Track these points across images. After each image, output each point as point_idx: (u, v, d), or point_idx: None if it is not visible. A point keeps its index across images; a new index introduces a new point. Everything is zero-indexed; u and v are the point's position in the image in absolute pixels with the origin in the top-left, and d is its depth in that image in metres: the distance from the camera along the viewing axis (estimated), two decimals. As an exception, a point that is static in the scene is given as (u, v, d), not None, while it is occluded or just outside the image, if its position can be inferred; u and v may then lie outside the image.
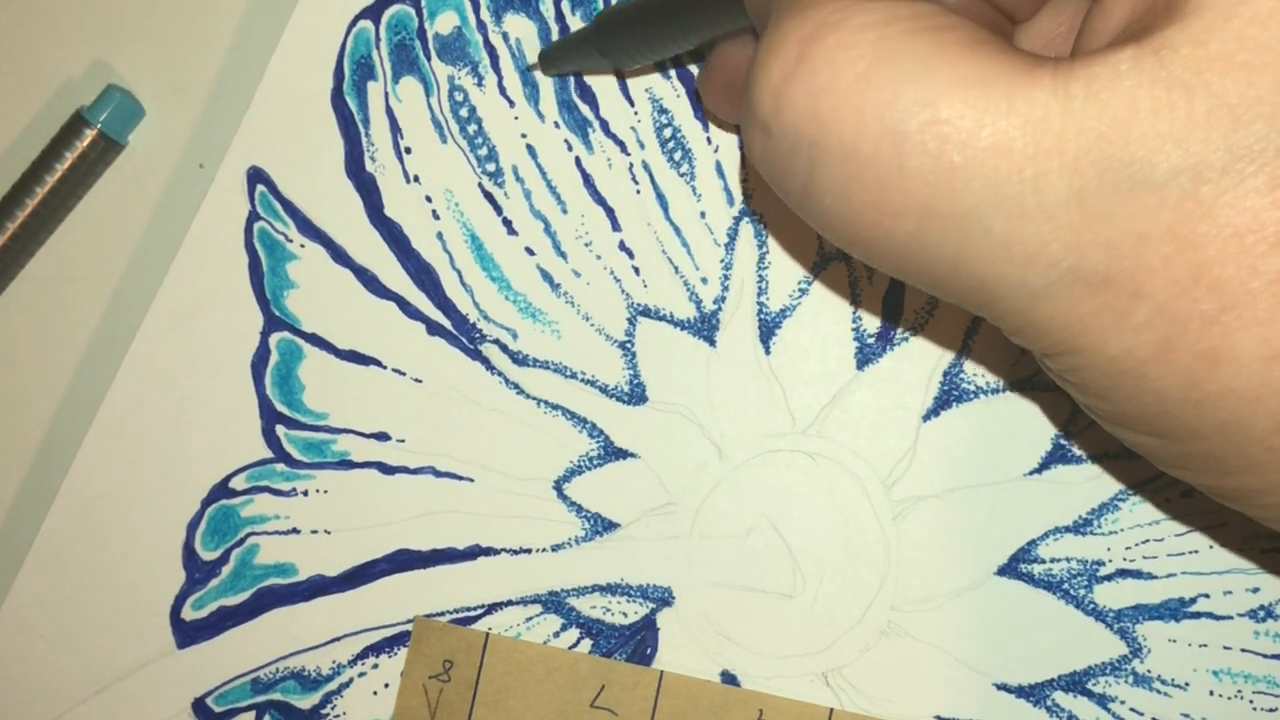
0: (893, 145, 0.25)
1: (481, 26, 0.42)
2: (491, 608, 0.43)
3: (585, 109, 0.42)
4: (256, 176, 0.42)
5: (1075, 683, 0.41)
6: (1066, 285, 0.26)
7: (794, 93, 0.26)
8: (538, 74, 0.42)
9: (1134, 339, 0.25)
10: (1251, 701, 0.41)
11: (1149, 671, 0.41)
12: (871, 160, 0.26)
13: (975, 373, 0.41)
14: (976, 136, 0.25)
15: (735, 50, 0.36)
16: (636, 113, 0.42)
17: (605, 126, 0.42)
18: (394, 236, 0.42)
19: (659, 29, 0.37)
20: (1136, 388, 0.26)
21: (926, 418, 0.42)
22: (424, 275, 0.42)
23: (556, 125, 0.42)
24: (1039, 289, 0.26)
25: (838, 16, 0.26)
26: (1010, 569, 0.41)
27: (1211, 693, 0.41)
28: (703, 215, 0.42)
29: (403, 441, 0.43)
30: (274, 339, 0.43)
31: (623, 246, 0.42)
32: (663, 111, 0.42)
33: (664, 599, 0.42)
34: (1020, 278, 0.26)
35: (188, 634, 0.43)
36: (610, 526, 0.42)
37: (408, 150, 0.42)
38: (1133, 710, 0.41)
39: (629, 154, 0.42)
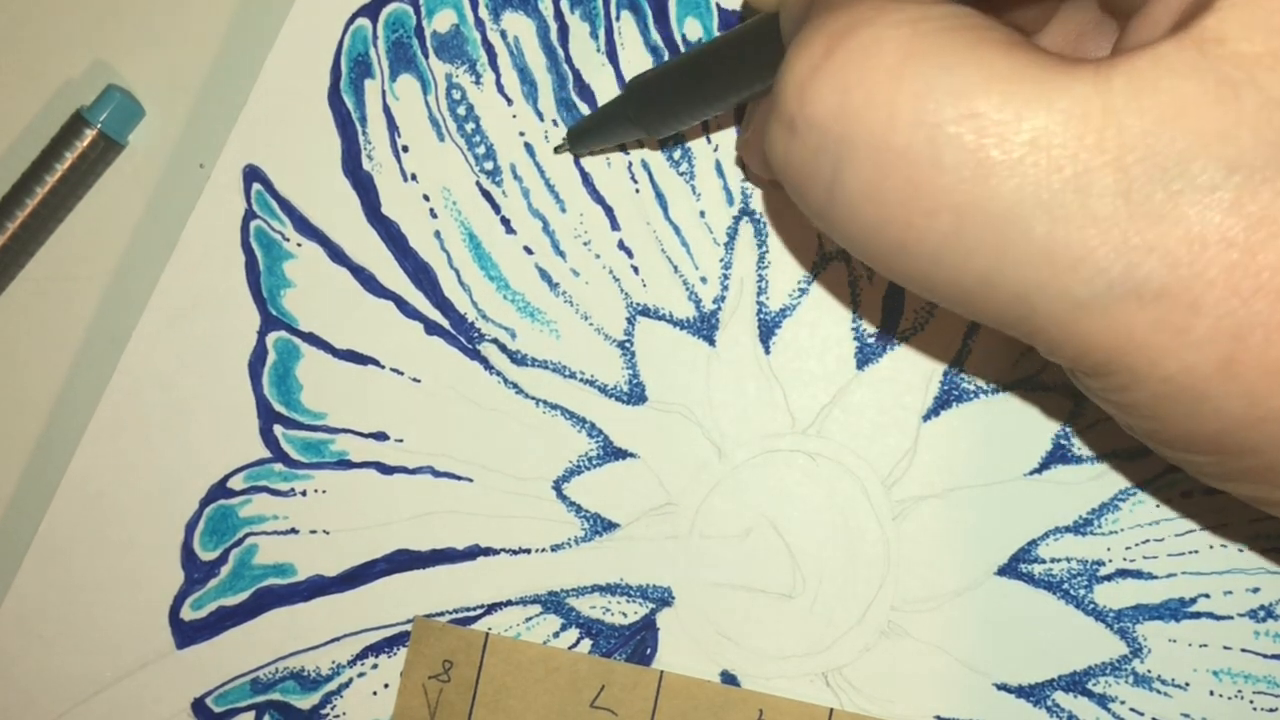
0: (927, 139, 0.24)
1: (480, 24, 0.42)
2: (491, 608, 0.43)
3: (584, 107, 0.42)
4: (253, 175, 0.42)
5: (1075, 683, 0.41)
6: (1116, 297, 0.24)
7: (821, 87, 0.25)
8: (536, 75, 0.42)
9: (1194, 356, 0.24)
10: (1252, 702, 0.41)
11: (1149, 671, 0.41)
12: (903, 155, 0.24)
13: (976, 373, 0.41)
14: (1016, 131, 0.24)
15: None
16: (635, 111, 0.42)
17: (604, 125, 0.42)
18: (391, 235, 0.42)
19: (694, 92, 0.36)
20: (1195, 408, 0.25)
21: (926, 418, 0.42)
22: (422, 274, 0.42)
23: (555, 123, 0.42)
24: (1084, 299, 0.24)
25: (870, 14, 0.25)
26: (1010, 569, 0.41)
27: (1212, 693, 0.41)
28: (702, 215, 0.42)
29: (401, 441, 0.43)
30: (271, 338, 0.43)
31: (622, 246, 0.42)
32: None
33: (664, 599, 0.42)
34: (1063, 287, 0.24)
35: (187, 634, 0.43)
36: (610, 526, 0.42)
37: (405, 149, 0.42)
38: (1133, 710, 0.41)
39: (628, 153, 0.42)
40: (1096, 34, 0.33)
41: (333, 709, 0.43)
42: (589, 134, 0.41)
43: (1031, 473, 0.41)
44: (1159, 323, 0.24)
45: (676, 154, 0.42)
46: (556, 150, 0.42)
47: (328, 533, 0.43)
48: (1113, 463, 0.41)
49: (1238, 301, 0.23)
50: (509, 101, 0.42)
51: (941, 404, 0.41)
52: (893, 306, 0.41)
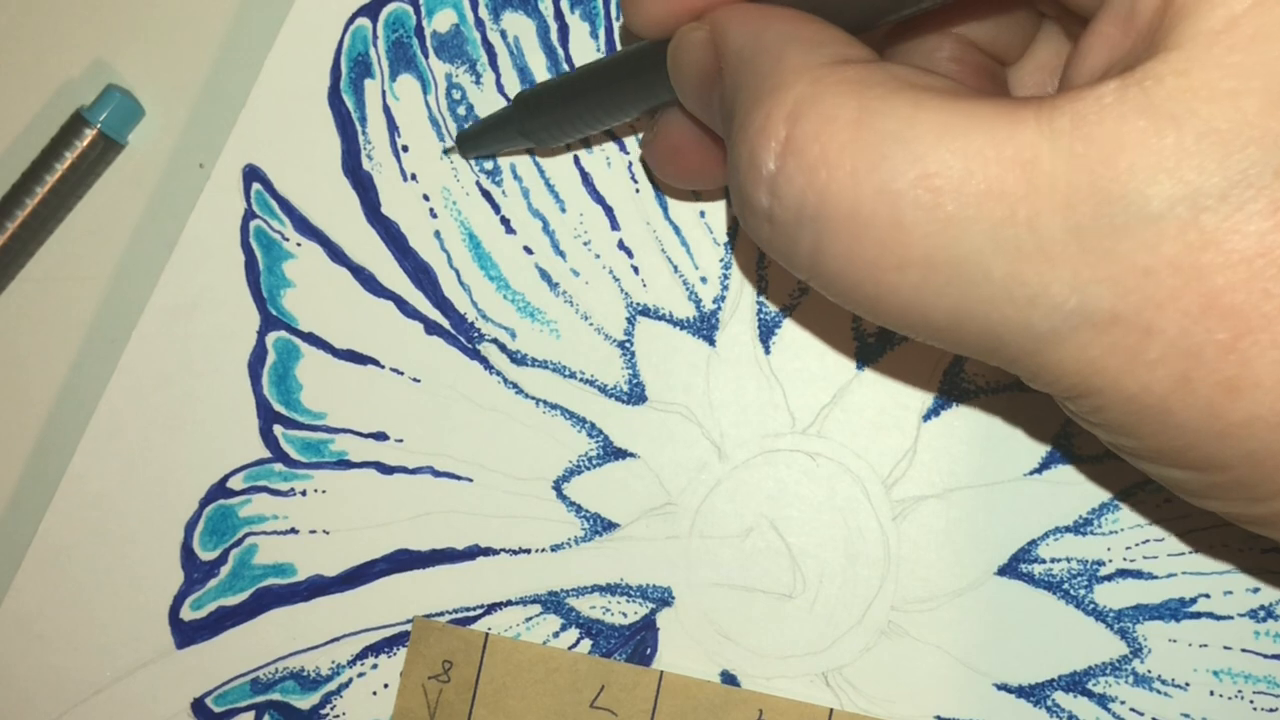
0: (888, 204, 0.26)
1: (479, 24, 0.42)
2: (491, 608, 0.43)
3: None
4: (253, 175, 0.42)
5: (1075, 683, 0.41)
6: (1073, 327, 0.25)
7: (788, 174, 0.27)
8: (536, 75, 0.42)
9: (1149, 376, 0.25)
10: (1252, 702, 0.41)
11: (1149, 671, 0.41)
12: (870, 221, 0.26)
13: (975, 372, 0.41)
14: (967, 183, 0.25)
15: (676, 119, 0.36)
16: (635, 111, 0.42)
17: (604, 125, 0.42)
18: (391, 235, 0.42)
19: (582, 106, 0.37)
20: (1160, 424, 0.26)
21: (927, 417, 0.42)
22: (422, 274, 0.42)
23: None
24: (1045, 332, 0.26)
25: (814, 90, 0.27)
26: (1010, 569, 0.41)
27: (1212, 693, 0.41)
28: (702, 214, 0.42)
29: (401, 441, 0.43)
30: (271, 338, 0.43)
31: (622, 245, 0.42)
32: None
33: (663, 599, 0.42)
34: (1025, 321, 0.26)
35: (187, 634, 0.43)
36: (610, 526, 0.42)
37: (405, 148, 0.42)
38: (1133, 710, 0.41)
39: (628, 152, 0.42)
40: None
41: (332, 709, 0.43)
42: (478, 139, 0.41)
43: (1031, 473, 0.41)
44: (1115, 347, 0.25)
45: (676, 154, 0.42)
46: (445, 152, 0.42)
47: (327, 533, 0.43)
48: (1113, 463, 0.41)
49: (1188, 322, 0.24)
50: (509, 101, 0.42)
51: (941, 404, 0.41)
52: (893, 306, 0.41)
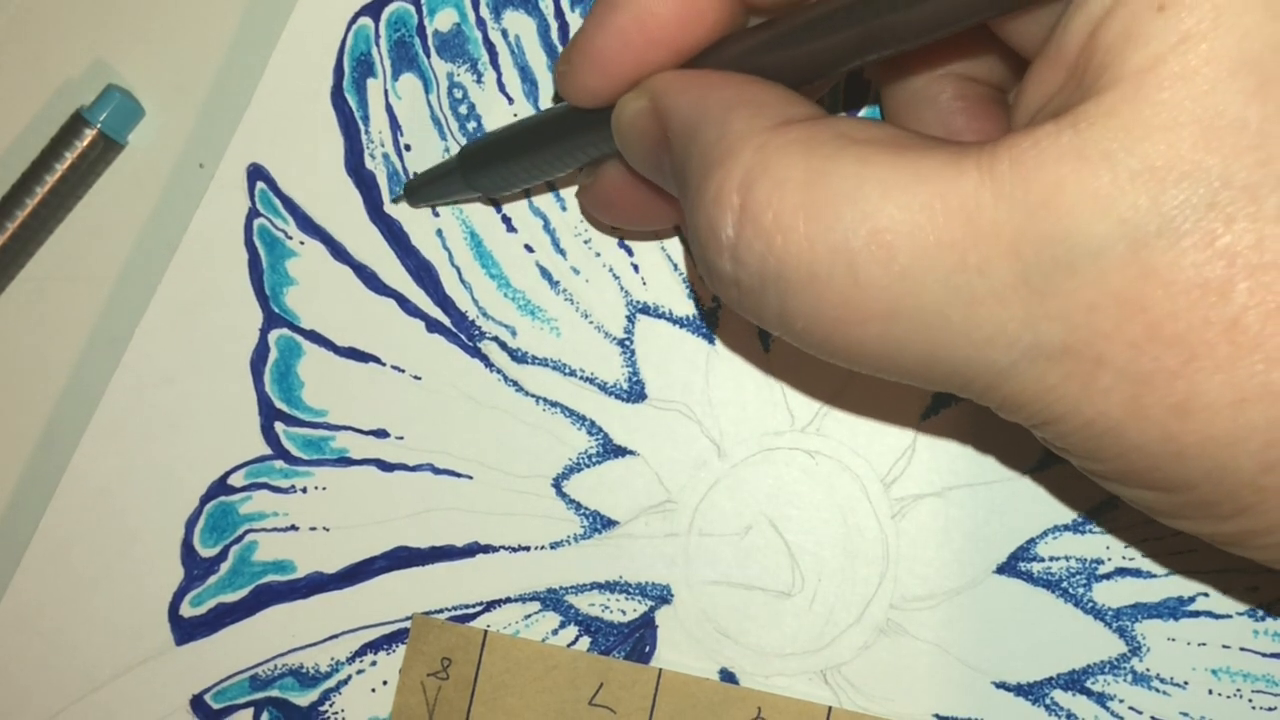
0: (845, 263, 0.26)
1: (481, 23, 0.42)
2: (490, 605, 0.43)
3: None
4: (256, 173, 0.42)
5: (1074, 681, 0.41)
6: (1030, 361, 0.26)
7: (747, 242, 0.28)
8: (538, 74, 0.42)
9: (1104, 402, 0.26)
10: (1250, 700, 0.41)
11: (1148, 670, 0.41)
12: (829, 280, 0.27)
13: (974, 372, 0.41)
14: (917, 236, 0.26)
15: (615, 168, 0.37)
16: (636, 110, 0.42)
17: (605, 124, 0.42)
18: (393, 233, 0.43)
19: (526, 160, 0.38)
20: (1118, 447, 0.27)
21: (926, 416, 0.42)
22: (423, 272, 0.42)
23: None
24: (1005, 367, 0.27)
25: (762, 156, 0.28)
26: (1009, 567, 0.41)
27: (1210, 691, 0.41)
28: (702, 213, 0.42)
29: (401, 438, 0.43)
30: (273, 336, 0.43)
31: (622, 244, 0.42)
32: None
33: (662, 597, 0.42)
34: (985, 360, 0.27)
35: (186, 631, 0.43)
36: (609, 524, 0.42)
37: (407, 147, 0.42)
38: (1131, 709, 0.41)
39: (628, 152, 0.42)
40: None
41: (331, 706, 0.43)
42: (425, 190, 0.42)
43: (1030, 471, 0.41)
44: (1069, 376, 0.26)
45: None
46: (394, 200, 0.43)
47: (327, 529, 0.43)
48: (1111, 461, 0.41)
49: (1135, 352, 0.25)
50: (510, 100, 0.42)
51: (941, 402, 0.42)
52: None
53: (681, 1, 0.32)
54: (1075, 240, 0.25)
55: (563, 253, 0.42)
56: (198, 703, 0.43)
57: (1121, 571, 0.41)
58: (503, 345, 0.42)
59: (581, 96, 0.34)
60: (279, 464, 0.43)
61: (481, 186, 0.40)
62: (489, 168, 0.39)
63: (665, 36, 0.32)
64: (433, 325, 0.43)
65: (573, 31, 0.42)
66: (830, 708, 0.41)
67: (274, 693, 0.43)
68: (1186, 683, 0.41)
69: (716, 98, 0.30)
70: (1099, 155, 0.25)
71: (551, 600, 0.43)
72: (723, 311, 0.42)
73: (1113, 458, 0.27)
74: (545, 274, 0.42)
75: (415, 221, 0.43)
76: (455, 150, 0.42)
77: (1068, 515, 0.41)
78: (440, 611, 0.43)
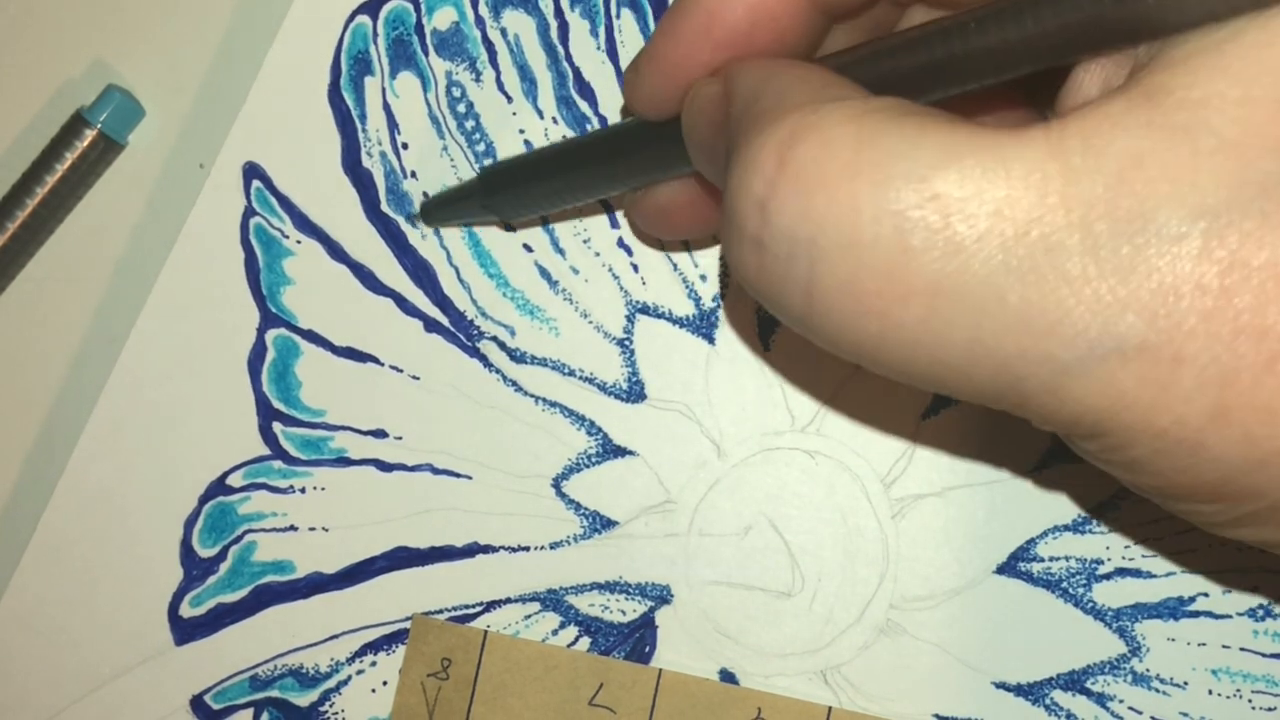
0: (893, 227, 0.24)
1: (480, 22, 0.42)
2: (490, 605, 0.43)
3: (584, 105, 0.42)
4: (253, 172, 0.42)
5: (1074, 681, 0.41)
6: (1099, 357, 0.24)
7: (781, 198, 0.25)
8: (536, 73, 0.42)
9: (1184, 408, 0.24)
10: (1250, 700, 0.41)
11: (1148, 670, 0.41)
12: (872, 247, 0.24)
13: (975, 371, 0.41)
14: (978, 204, 0.24)
15: (661, 186, 0.36)
16: (635, 109, 0.42)
17: (604, 123, 0.42)
18: (391, 232, 0.42)
19: (562, 180, 0.37)
20: (1191, 459, 0.25)
21: (926, 416, 0.42)
22: (421, 271, 0.42)
23: (555, 121, 0.42)
24: (1068, 363, 0.24)
25: (813, 116, 0.26)
26: (1009, 567, 0.41)
27: (1210, 692, 0.41)
28: (701, 212, 0.42)
29: (400, 438, 0.43)
30: (270, 335, 0.43)
31: (621, 243, 0.42)
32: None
33: (662, 597, 0.42)
34: (1045, 351, 0.24)
35: (185, 631, 0.43)
36: (609, 524, 0.42)
37: (405, 146, 0.42)
38: (1131, 709, 0.41)
39: (627, 151, 0.42)
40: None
41: (331, 706, 0.43)
42: (441, 211, 0.42)
43: (1031, 471, 0.41)
44: (1144, 378, 0.24)
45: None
46: (410, 218, 0.43)
47: (327, 530, 0.43)
48: (1111, 461, 0.41)
49: (1220, 347, 0.23)
50: (509, 99, 0.42)
51: (941, 402, 0.42)
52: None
53: (752, 7, 0.31)
54: (1153, 218, 0.23)
55: (562, 252, 0.42)
56: (198, 703, 0.43)
57: (1121, 571, 0.41)
58: (501, 345, 0.42)
59: (649, 105, 0.33)
60: (277, 464, 0.43)
61: (503, 210, 0.40)
62: (517, 190, 0.39)
63: (735, 41, 0.31)
64: (431, 325, 0.42)
65: (573, 31, 0.42)
66: (830, 708, 0.41)
67: (274, 693, 0.43)
68: (1186, 683, 0.41)
69: (783, 75, 0.28)
70: (1177, 128, 0.23)
71: (551, 600, 0.42)
72: (723, 311, 0.42)
73: (1179, 471, 0.25)
74: (544, 273, 0.42)
75: (407, 207, 0.43)
76: (454, 150, 0.42)
77: (1068, 515, 0.41)
78: (440, 612, 0.43)
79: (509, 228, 0.42)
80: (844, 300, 0.25)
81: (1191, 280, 0.23)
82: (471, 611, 0.43)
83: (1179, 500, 0.27)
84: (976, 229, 0.24)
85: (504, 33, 0.42)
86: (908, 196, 0.24)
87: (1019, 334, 0.24)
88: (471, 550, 0.43)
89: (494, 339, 0.42)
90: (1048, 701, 0.41)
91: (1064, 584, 0.41)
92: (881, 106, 0.26)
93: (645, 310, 0.42)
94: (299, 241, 0.43)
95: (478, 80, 0.42)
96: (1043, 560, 0.41)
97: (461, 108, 0.42)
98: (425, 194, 0.42)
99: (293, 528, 0.43)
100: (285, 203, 0.42)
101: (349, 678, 0.43)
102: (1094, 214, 0.23)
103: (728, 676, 0.42)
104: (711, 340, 0.42)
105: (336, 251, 0.43)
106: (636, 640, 0.42)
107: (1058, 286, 0.23)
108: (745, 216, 0.26)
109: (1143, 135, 0.23)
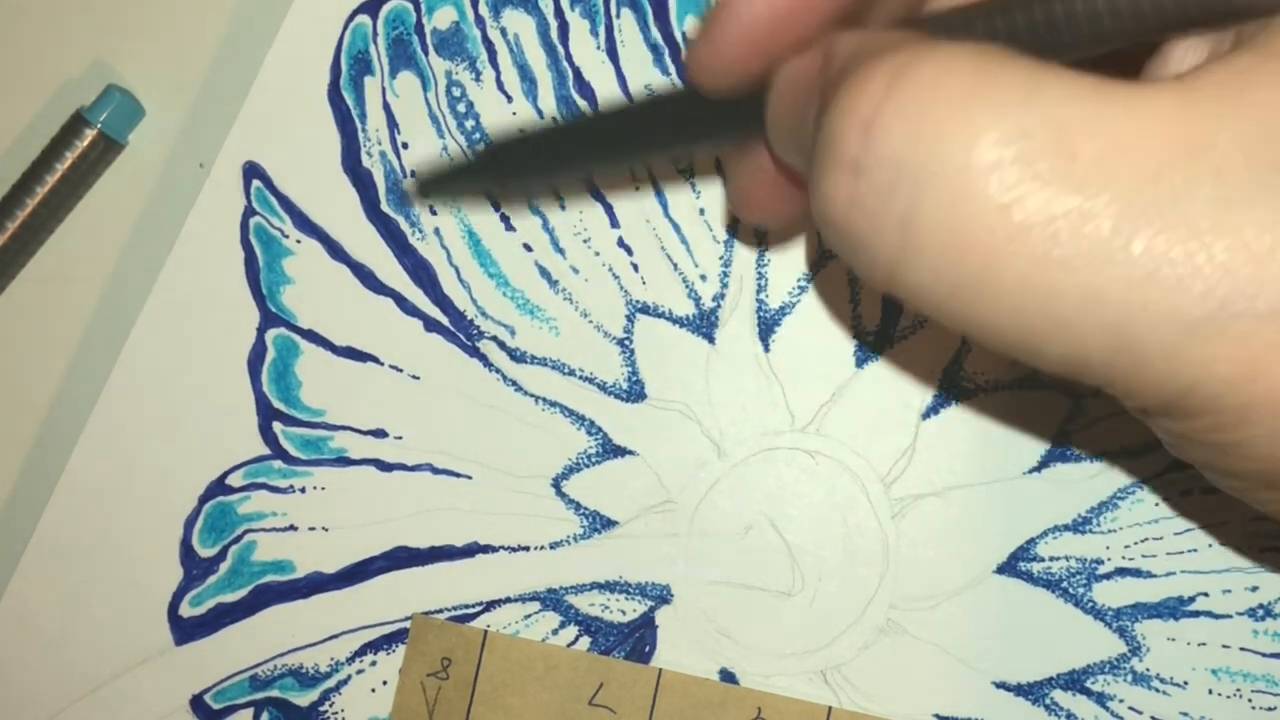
0: (1015, 154, 0.22)
1: (480, 21, 0.42)
2: (490, 605, 0.43)
3: (584, 104, 0.42)
4: (252, 171, 0.42)
5: (1074, 681, 0.41)
6: (1232, 315, 0.22)
7: (888, 120, 0.23)
8: (536, 72, 0.42)
9: None
10: (1250, 700, 0.41)
11: (1148, 670, 0.41)
12: (989, 174, 0.22)
13: (975, 371, 0.41)
14: (1103, 143, 0.22)
15: (758, 156, 0.33)
16: (634, 109, 0.42)
17: (604, 123, 0.42)
18: (391, 232, 0.42)
19: (565, 151, 0.36)
20: None
21: (926, 415, 0.42)
22: (421, 271, 0.42)
23: (555, 121, 0.42)
24: (1196, 320, 0.22)
25: (927, 50, 0.24)
26: (1009, 567, 0.41)
27: (1210, 691, 0.41)
28: (702, 212, 0.42)
29: (400, 438, 0.43)
30: (270, 335, 0.43)
31: (621, 243, 0.42)
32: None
33: (662, 597, 0.42)
34: (1171, 307, 0.22)
35: (185, 631, 0.43)
36: (609, 524, 0.42)
37: (405, 145, 0.42)
38: (1131, 709, 0.41)
39: (627, 151, 0.42)
40: None
41: (331, 706, 0.43)
42: (442, 187, 0.40)
43: (1031, 471, 0.41)
44: (1277, 343, 0.22)
45: (676, 152, 0.42)
46: (404, 192, 0.42)
47: (326, 530, 0.43)
48: (1112, 461, 0.41)
49: None
50: (509, 99, 0.42)
51: (941, 402, 0.42)
52: (893, 304, 0.41)
53: None
54: None
55: (561, 252, 0.42)
56: (198, 703, 0.43)
57: (1121, 571, 0.41)
58: (501, 345, 0.42)
59: (721, 77, 0.30)
60: (277, 464, 0.43)
61: (513, 182, 0.38)
62: (530, 162, 0.37)
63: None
64: (431, 324, 0.42)
65: (573, 31, 0.42)
66: (830, 708, 0.41)
67: (274, 693, 0.43)
68: (1186, 683, 0.41)
69: (888, 34, 0.26)
70: None
71: (551, 600, 0.42)
72: (723, 310, 0.42)
73: None
74: (544, 273, 0.42)
75: (412, 220, 0.42)
76: (453, 150, 0.42)
77: (1068, 515, 0.41)
78: (440, 611, 0.43)
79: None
80: (947, 236, 0.23)
81: None
82: (471, 611, 0.43)
83: (1275, 488, 0.25)
84: (1104, 166, 0.22)
85: (504, 32, 0.42)
86: (1032, 123, 0.22)
87: (1143, 284, 0.22)
88: (471, 550, 0.43)
89: (494, 339, 0.42)
90: (1048, 701, 0.41)
91: (1064, 584, 0.41)
92: (995, 49, 0.24)
93: (645, 310, 0.42)
94: (299, 241, 0.43)
95: (478, 80, 0.42)
96: (1043, 560, 0.41)
97: (461, 107, 0.42)
98: (433, 210, 0.42)
99: (293, 527, 0.43)
100: (285, 202, 0.42)
101: (349, 677, 0.43)
102: (1229, 164, 0.22)
103: (728, 676, 0.42)
104: (711, 340, 0.42)
105: (336, 251, 0.42)
106: (636, 640, 0.42)
107: (1188, 238, 0.22)
108: (844, 139, 0.24)
109: (1277, 90, 0.22)
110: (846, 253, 0.26)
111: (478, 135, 0.42)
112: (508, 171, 0.37)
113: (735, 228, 0.42)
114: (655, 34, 0.42)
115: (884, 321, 0.41)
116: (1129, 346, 0.23)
